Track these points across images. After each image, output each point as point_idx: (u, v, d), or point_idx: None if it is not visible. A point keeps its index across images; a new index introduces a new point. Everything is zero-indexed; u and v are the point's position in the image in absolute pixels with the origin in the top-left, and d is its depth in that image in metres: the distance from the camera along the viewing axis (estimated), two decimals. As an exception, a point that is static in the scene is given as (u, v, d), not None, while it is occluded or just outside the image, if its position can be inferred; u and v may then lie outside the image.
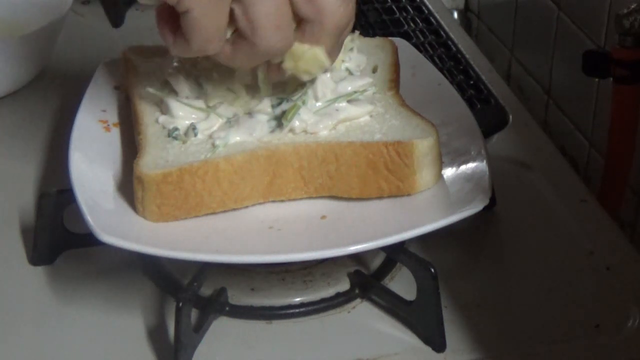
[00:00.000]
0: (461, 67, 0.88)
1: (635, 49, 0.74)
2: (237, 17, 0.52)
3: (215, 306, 0.63)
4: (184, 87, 0.65)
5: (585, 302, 0.65)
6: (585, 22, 0.85)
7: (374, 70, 0.70)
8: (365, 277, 0.66)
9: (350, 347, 0.62)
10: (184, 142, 0.62)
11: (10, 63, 0.85)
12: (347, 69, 0.68)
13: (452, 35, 0.94)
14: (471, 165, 0.64)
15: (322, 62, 0.57)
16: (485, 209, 0.60)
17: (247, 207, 0.62)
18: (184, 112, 0.64)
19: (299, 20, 0.54)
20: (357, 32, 0.72)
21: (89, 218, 0.58)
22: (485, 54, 0.97)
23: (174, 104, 0.64)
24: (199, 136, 0.63)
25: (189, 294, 0.59)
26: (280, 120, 0.62)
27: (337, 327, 0.63)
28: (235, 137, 0.62)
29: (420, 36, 0.94)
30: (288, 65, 0.58)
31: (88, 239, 0.59)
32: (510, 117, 0.82)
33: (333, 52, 0.56)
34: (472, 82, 0.86)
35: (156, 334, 0.62)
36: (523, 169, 0.78)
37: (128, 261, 0.67)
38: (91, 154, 0.64)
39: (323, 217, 0.61)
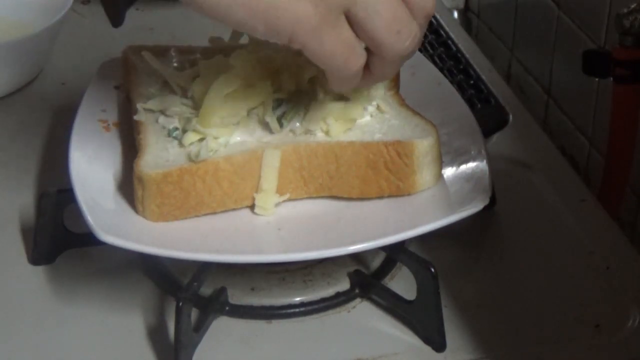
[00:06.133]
0: (461, 67, 0.88)
1: (635, 49, 0.74)
2: (358, 35, 0.52)
3: (215, 306, 0.63)
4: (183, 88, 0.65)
5: (585, 302, 0.65)
6: (585, 22, 0.85)
7: (374, 70, 0.70)
8: (366, 277, 0.66)
9: (350, 347, 0.62)
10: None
11: (11, 63, 0.85)
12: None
13: (452, 35, 0.94)
14: (471, 165, 0.64)
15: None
16: (485, 208, 0.60)
17: (247, 207, 0.62)
18: (184, 112, 0.64)
19: None
20: None
21: (89, 218, 0.58)
22: (485, 54, 0.97)
23: (173, 104, 0.64)
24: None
25: (189, 293, 0.59)
26: (280, 121, 0.62)
27: (337, 327, 0.63)
28: (236, 137, 0.62)
29: (420, 36, 0.94)
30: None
31: (88, 239, 0.59)
32: (510, 117, 0.82)
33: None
34: (472, 81, 0.86)
35: (156, 334, 0.62)
36: (523, 169, 0.78)
37: (128, 261, 0.67)
38: (91, 153, 0.64)
39: (324, 217, 0.61)
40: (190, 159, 0.60)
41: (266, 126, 0.63)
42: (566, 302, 0.65)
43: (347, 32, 0.51)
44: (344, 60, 0.52)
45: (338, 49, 0.51)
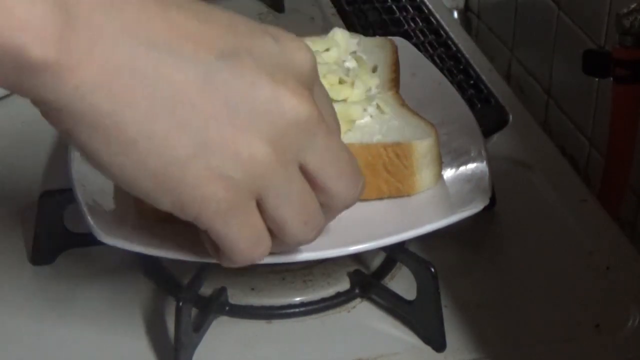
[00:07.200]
0: (461, 67, 0.88)
1: (635, 49, 0.74)
2: (263, 218, 0.49)
3: (215, 306, 0.63)
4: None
5: (585, 302, 0.65)
6: (585, 22, 0.85)
7: (374, 70, 0.70)
8: (366, 277, 0.66)
9: (350, 347, 0.62)
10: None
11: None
12: (348, 69, 0.68)
13: (452, 35, 0.94)
14: (471, 165, 0.64)
15: None
16: (485, 209, 0.60)
17: (247, 207, 0.62)
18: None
19: None
20: (361, 36, 0.72)
21: (90, 218, 0.57)
22: (485, 54, 0.97)
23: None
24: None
25: (189, 293, 0.59)
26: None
27: (337, 327, 0.63)
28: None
29: (420, 36, 0.94)
30: None
31: (88, 239, 0.59)
32: (510, 117, 0.82)
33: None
34: (472, 81, 0.86)
35: (156, 334, 0.62)
36: (523, 169, 0.78)
37: (128, 261, 0.67)
38: (91, 153, 0.64)
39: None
40: None
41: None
42: (566, 302, 0.65)
43: (255, 219, 0.48)
44: (248, 247, 0.49)
45: (244, 236, 0.48)
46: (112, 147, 0.44)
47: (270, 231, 0.49)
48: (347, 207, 0.52)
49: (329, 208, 0.51)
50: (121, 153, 0.44)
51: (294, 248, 0.53)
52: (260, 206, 0.48)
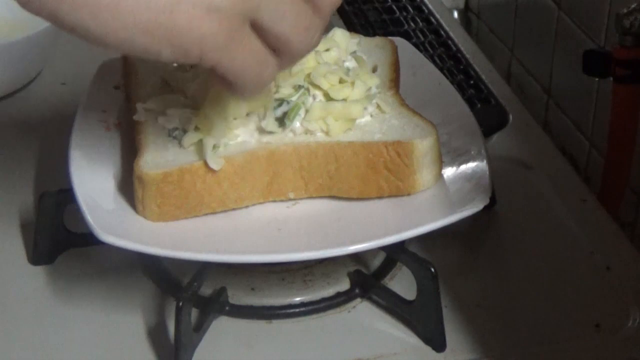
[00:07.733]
0: (461, 67, 0.88)
1: (635, 49, 0.74)
2: (263, 39, 0.50)
3: (215, 306, 0.63)
4: (184, 88, 0.65)
5: (585, 302, 0.65)
6: (585, 22, 0.85)
7: (374, 70, 0.70)
8: (366, 277, 0.66)
9: (350, 347, 0.62)
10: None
11: (11, 63, 0.85)
12: (348, 69, 0.68)
13: (452, 35, 0.94)
14: (471, 164, 0.64)
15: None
16: (485, 208, 0.60)
17: (247, 207, 0.62)
18: (184, 112, 0.64)
19: None
20: (361, 36, 0.72)
21: (89, 217, 0.58)
22: (485, 54, 0.97)
23: (173, 104, 0.64)
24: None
25: (189, 293, 0.59)
26: (282, 121, 0.62)
27: (337, 327, 0.63)
28: (236, 138, 0.62)
29: (420, 36, 0.94)
30: None
31: (88, 239, 0.59)
32: (510, 117, 0.82)
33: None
34: (472, 81, 0.86)
35: (156, 334, 0.62)
36: (523, 169, 0.78)
37: (128, 261, 0.67)
38: (91, 153, 0.64)
39: (324, 217, 0.61)
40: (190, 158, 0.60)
41: (267, 127, 0.63)
42: (566, 302, 0.65)
43: (255, 43, 0.49)
44: (258, 73, 0.50)
45: (250, 62, 0.49)
46: (98, 16, 0.45)
47: (277, 51, 0.50)
48: (334, 5, 0.52)
49: (318, 10, 0.51)
50: (109, 19, 0.45)
51: (295, 61, 0.53)
52: (258, 29, 0.49)
